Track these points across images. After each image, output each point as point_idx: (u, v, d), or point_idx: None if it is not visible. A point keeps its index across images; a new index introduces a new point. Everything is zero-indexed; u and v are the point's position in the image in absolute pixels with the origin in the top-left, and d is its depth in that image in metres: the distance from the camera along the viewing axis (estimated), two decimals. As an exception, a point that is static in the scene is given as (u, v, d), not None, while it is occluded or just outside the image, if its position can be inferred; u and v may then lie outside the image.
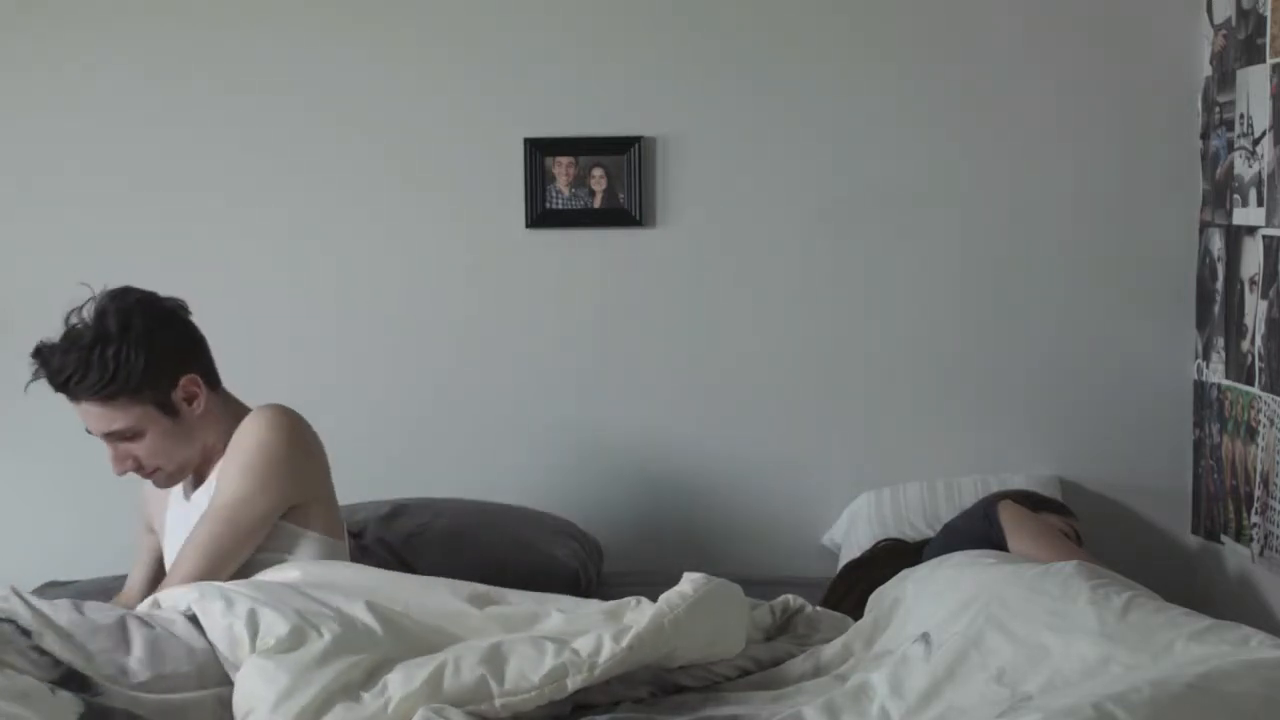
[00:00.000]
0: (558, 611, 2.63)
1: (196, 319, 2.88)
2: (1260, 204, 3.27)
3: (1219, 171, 3.51)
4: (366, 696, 2.34)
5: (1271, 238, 3.22)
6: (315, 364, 3.72)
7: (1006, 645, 2.44)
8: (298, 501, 2.80)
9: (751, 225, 3.70)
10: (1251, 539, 3.35)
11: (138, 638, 2.43)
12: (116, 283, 2.82)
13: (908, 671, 2.47)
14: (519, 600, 2.71)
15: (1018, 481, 3.53)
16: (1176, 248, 3.66)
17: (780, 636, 2.80)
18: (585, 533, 3.53)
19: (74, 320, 2.74)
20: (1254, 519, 3.34)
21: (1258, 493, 3.32)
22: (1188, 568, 3.67)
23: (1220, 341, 3.51)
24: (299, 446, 2.80)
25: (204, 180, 3.71)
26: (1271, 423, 3.24)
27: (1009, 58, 3.65)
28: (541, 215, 3.70)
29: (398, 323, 3.75)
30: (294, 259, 3.74)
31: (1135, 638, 2.36)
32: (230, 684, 2.42)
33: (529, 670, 2.40)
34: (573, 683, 2.42)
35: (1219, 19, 3.51)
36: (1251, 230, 3.33)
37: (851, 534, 3.60)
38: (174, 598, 2.58)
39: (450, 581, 2.74)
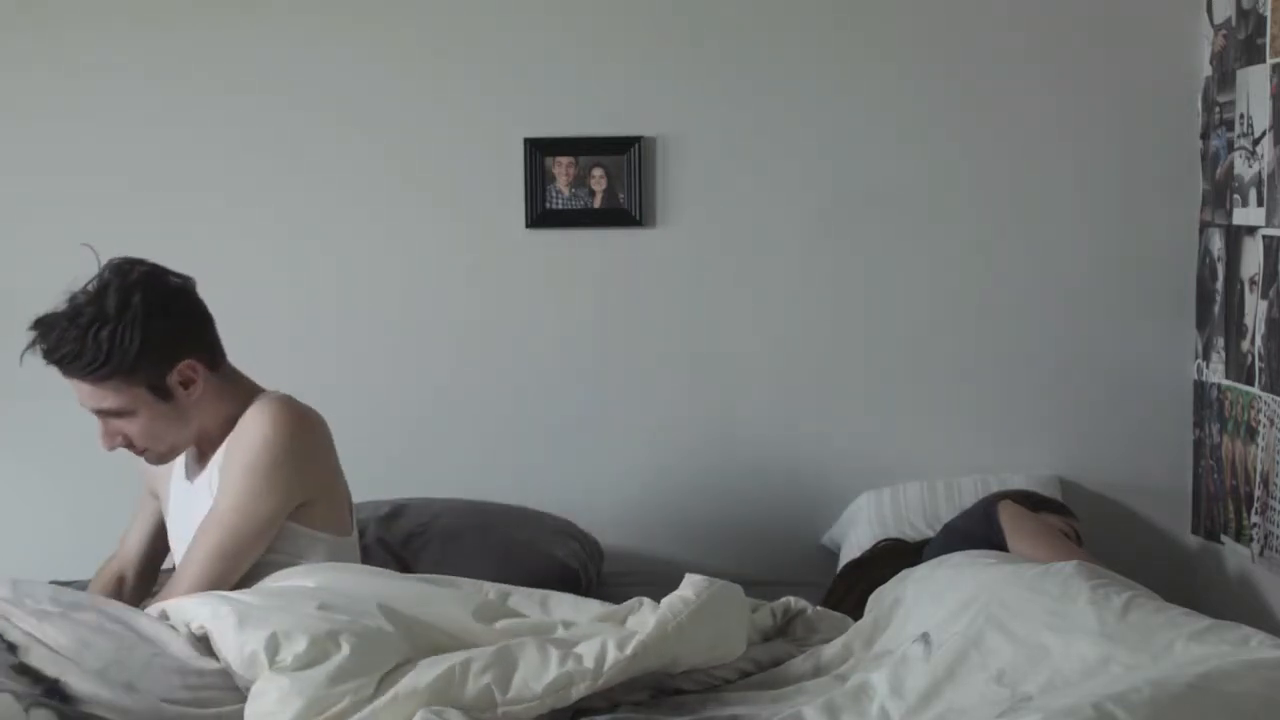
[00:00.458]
0: (563, 626, 2.61)
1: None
2: (1260, 204, 3.27)
3: (1219, 171, 3.51)
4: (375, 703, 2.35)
5: (1271, 238, 3.22)
6: (315, 364, 3.71)
7: (1006, 645, 2.44)
8: (304, 500, 2.75)
9: (751, 225, 3.70)
10: (1251, 539, 3.35)
11: (136, 655, 2.39)
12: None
13: (908, 671, 2.47)
14: (528, 608, 2.69)
15: (1018, 481, 3.53)
16: (1176, 248, 3.66)
17: (778, 639, 2.80)
18: (585, 533, 3.53)
19: (76, 293, 2.67)
20: (1254, 519, 3.34)
21: (1258, 493, 3.32)
22: (1188, 568, 3.67)
23: (1220, 341, 3.51)
24: (303, 444, 2.74)
25: (204, 180, 3.71)
26: (1271, 423, 3.24)
27: (1009, 58, 3.65)
28: (541, 215, 3.70)
29: (398, 323, 3.75)
30: (294, 259, 3.74)
31: (1135, 638, 2.36)
32: (232, 703, 2.38)
33: (533, 679, 2.40)
34: (576, 691, 2.42)
35: (1219, 19, 3.51)
36: (1251, 230, 3.33)
37: (851, 534, 3.60)
38: (184, 612, 2.52)
39: (460, 591, 2.69)
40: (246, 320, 3.63)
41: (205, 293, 2.94)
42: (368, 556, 3.26)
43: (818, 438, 3.73)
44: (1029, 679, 2.36)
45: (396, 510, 3.43)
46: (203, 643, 2.45)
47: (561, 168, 3.69)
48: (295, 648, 2.35)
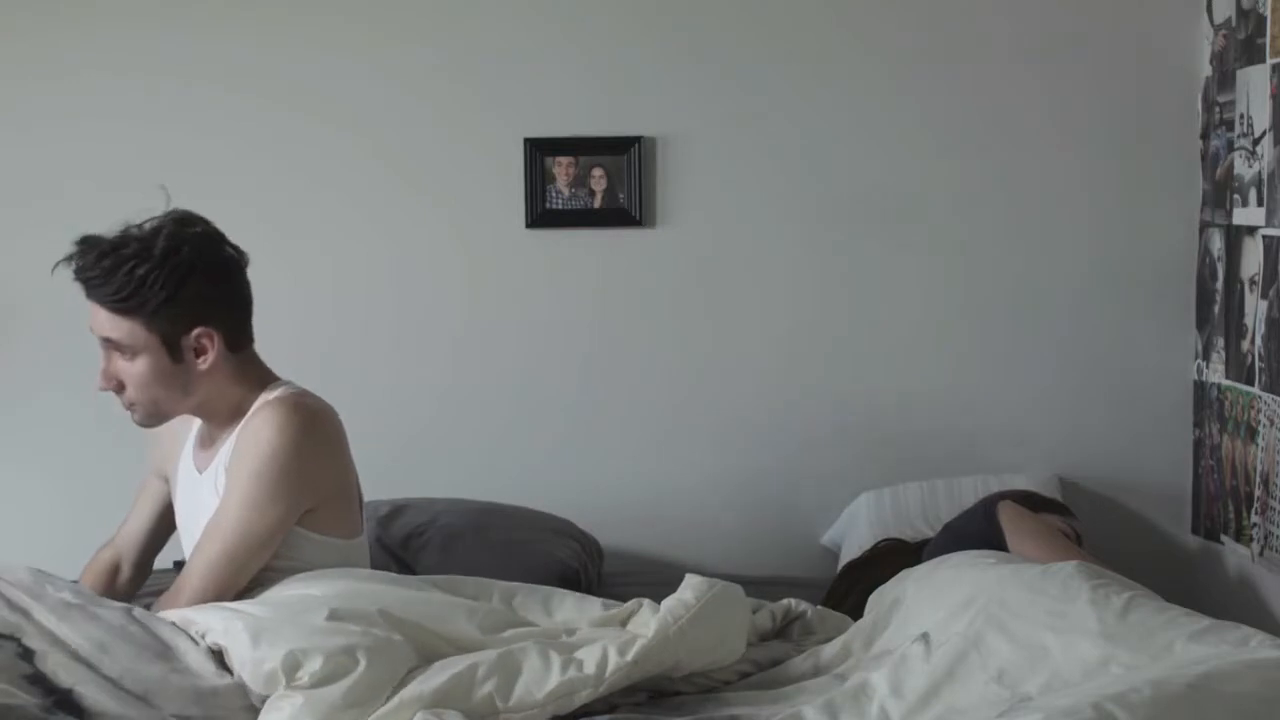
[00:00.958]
0: (565, 634, 2.60)
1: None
2: (1260, 204, 3.27)
3: (1219, 171, 3.51)
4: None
5: (1271, 238, 3.22)
6: (315, 364, 3.69)
7: (1006, 645, 2.44)
8: (312, 505, 2.68)
9: (751, 225, 3.70)
10: (1251, 539, 3.35)
11: (154, 667, 2.36)
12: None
13: (907, 671, 2.47)
14: (532, 611, 2.68)
15: (1018, 481, 3.53)
16: (1176, 248, 3.66)
17: (776, 640, 2.80)
18: (585, 533, 3.53)
19: (131, 226, 2.63)
20: (1254, 519, 3.34)
21: (1258, 493, 3.32)
22: (1188, 568, 3.67)
23: (1220, 341, 3.51)
24: (312, 451, 2.66)
25: (205, 180, 3.70)
26: (1271, 423, 3.24)
27: (1009, 58, 3.65)
28: (541, 215, 3.70)
29: (398, 323, 3.75)
30: (293, 259, 3.73)
31: (1135, 638, 2.36)
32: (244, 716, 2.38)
33: (535, 687, 2.40)
34: (579, 699, 2.42)
35: (1219, 19, 3.51)
36: (1251, 230, 3.33)
37: (851, 534, 3.60)
38: (194, 624, 2.48)
39: (467, 602, 2.65)
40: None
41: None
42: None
43: (818, 438, 3.73)
44: (1029, 679, 2.36)
45: (396, 510, 3.42)
46: (217, 656, 2.42)
47: (561, 168, 3.69)
48: (312, 666, 2.34)
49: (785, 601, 2.84)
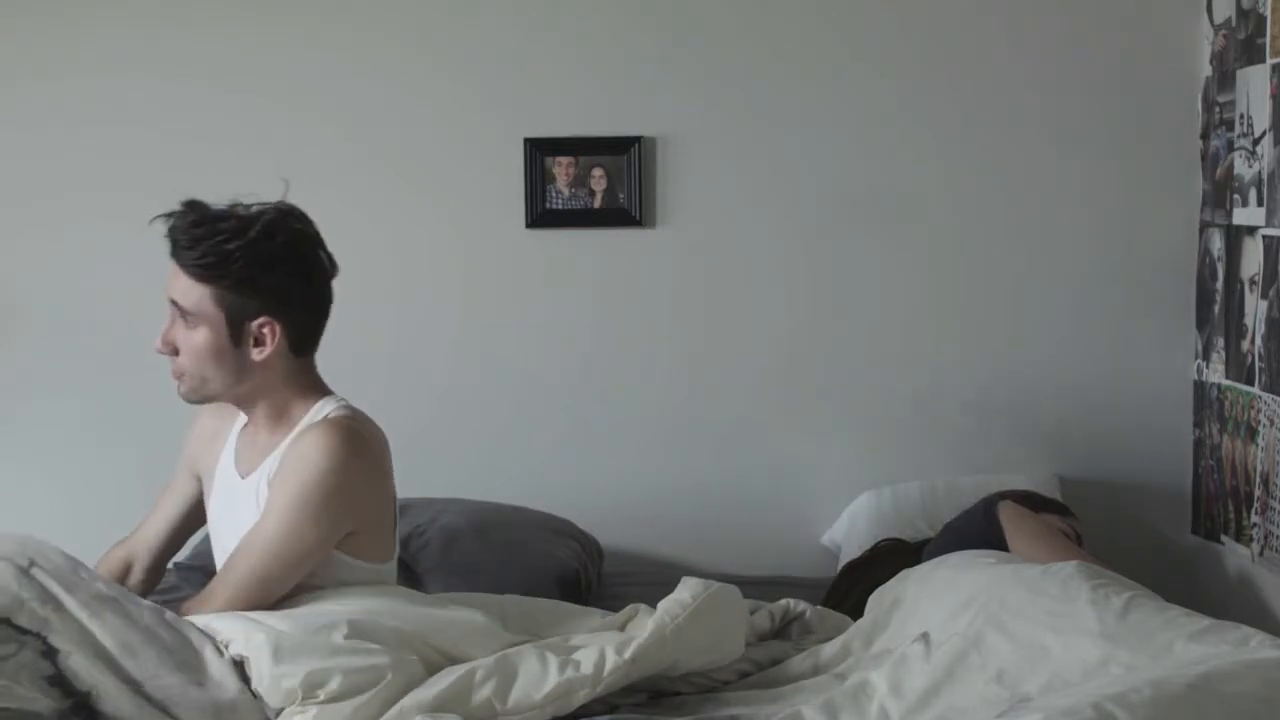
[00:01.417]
0: (560, 637, 2.61)
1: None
2: (1260, 204, 3.27)
3: (1219, 171, 3.51)
4: None
5: (1271, 238, 3.22)
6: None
7: (1006, 645, 2.44)
8: (351, 530, 2.65)
9: (751, 225, 3.70)
10: (1251, 539, 3.35)
11: (176, 677, 2.35)
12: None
13: (907, 671, 2.47)
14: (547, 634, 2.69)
15: (1018, 481, 3.53)
16: (1176, 248, 3.66)
17: (774, 640, 2.80)
18: (585, 533, 3.53)
19: (239, 204, 2.62)
20: (1254, 519, 3.34)
21: (1258, 493, 3.32)
22: (1188, 568, 3.67)
23: (1220, 341, 3.52)
24: (358, 477, 2.63)
25: (205, 181, 3.70)
26: (1271, 423, 3.24)
27: (1009, 59, 3.65)
28: (541, 215, 3.70)
29: (397, 323, 3.75)
30: (294, 259, 3.73)
31: (1135, 638, 2.36)
32: None
33: (533, 688, 2.41)
34: (577, 699, 2.42)
35: (1219, 19, 3.51)
36: (1251, 230, 3.33)
37: (851, 534, 3.60)
38: (216, 633, 2.47)
39: (481, 621, 2.63)
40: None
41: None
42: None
43: (818, 438, 3.73)
44: (1029, 679, 2.36)
45: (397, 510, 3.42)
46: (239, 667, 2.41)
47: (561, 168, 3.69)
48: (331, 686, 2.35)
49: (784, 602, 2.84)
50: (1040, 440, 3.71)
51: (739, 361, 3.73)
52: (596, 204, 3.70)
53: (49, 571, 2.44)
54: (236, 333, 2.63)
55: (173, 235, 2.61)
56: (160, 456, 2.95)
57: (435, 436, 3.73)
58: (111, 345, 3.68)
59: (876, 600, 2.83)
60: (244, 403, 2.72)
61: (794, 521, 3.73)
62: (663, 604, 2.60)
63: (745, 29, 3.66)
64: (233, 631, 2.46)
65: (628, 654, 2.46)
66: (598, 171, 3.69)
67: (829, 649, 2.70)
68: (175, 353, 2.66)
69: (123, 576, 2.86)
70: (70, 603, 2.39)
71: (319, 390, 2.76)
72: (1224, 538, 3.51)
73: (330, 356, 3.70)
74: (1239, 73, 3.39)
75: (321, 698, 2.35)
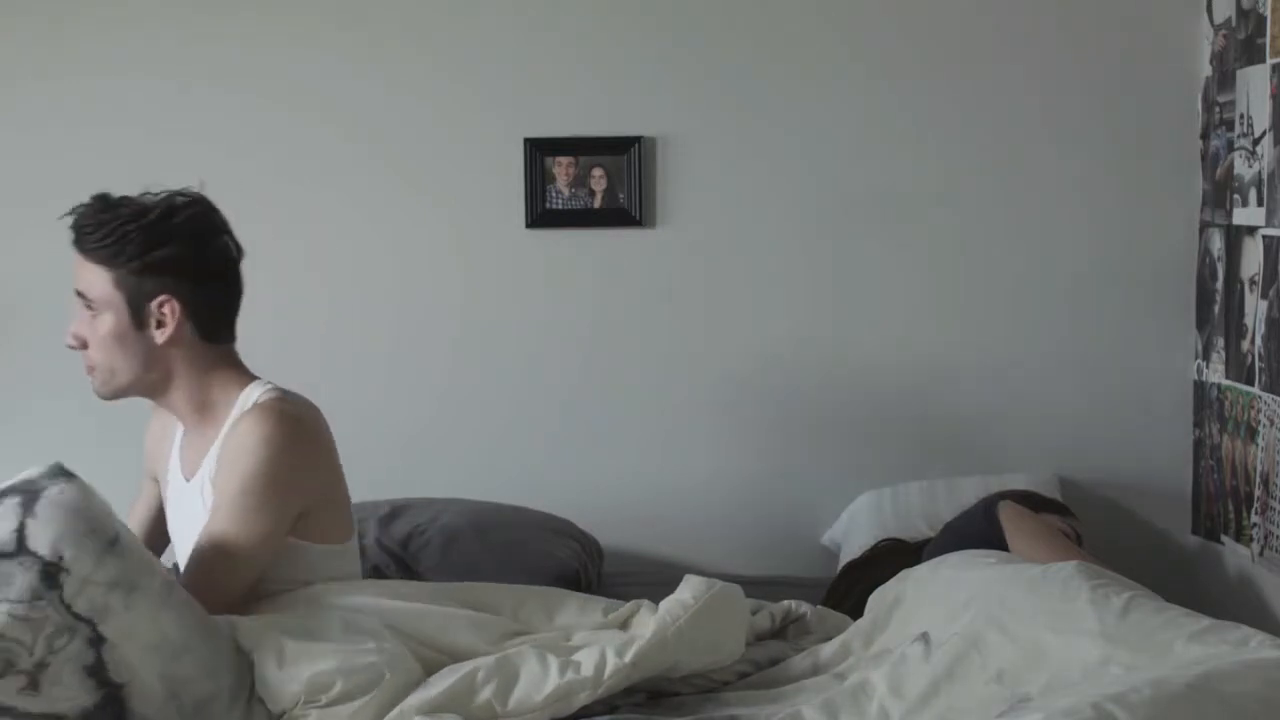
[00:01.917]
0: (564, 640, 2.60)
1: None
2: (1260, 204, 3.27)
3: (1219, 171, 3.51)
4: None
5: (1271, 238, 3.22)
6: (315, 365, 3.71)
7: (1006, 645, 2.44)
8: (302, 511, 2.64)
9: (751, 225, 3.70)
10: (1251, 539, 3.35)
11: (208, 685, 2.33)
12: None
13: (907, 671, 2.47)
14: (539, 621, 2.68)
15: (1018, 481, 3.53)
16: (1176, 248, 3.66)
17: (772, 640, 2.80)
18: (585, 533, 3.53)
19: (148, 191, 2.65)
20: (1254, 519, 3.34)
21: (1258, 493, 3.32)
22: (1188, 568, 3.67)
23: (1220, 341, 3.51)
24: (299, 457, 2.61)
25: (210, 182, 3.70)
26: (1271, 423, 3.24)
27: (1009, 59, 3.65)
28: (541, 215, 3.70)
29: (397, 323, 3.75)
30: (292, 259, 3.73)
31: (1135, 638, 2.36)
32: None
33: (534, 690, 2.41)
34: (577, 701, 2.43)
35: (1219, 19, 3.51)
36: (1251, 230, 3.33)
37: (851, 534, 3.60)
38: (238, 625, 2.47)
39: (471, 614, 2.63)
40: (246, 319, 3.65)
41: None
42: (366, 557, 3.27)
43: (818, 438, 3.73)
44: (1028, 679, 2.36)
45: (396, 510, 3.43)
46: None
47: (561, 168, 3.69)
48: (334, 689, 2.35)
49: (785, 603, 2.84)
50: (1040, 440, 3.71)
51: (739, 361, 3.73)
52: (596, 204, 3.70)
53: (132, 550, 2.36)
54: (138, 315, 2.62)
55: (75, 226, 2.62)
56: (160, 456, 2.95)
57: (435, 436, 3.74)
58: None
59: (876, 600, 2.83)
60: (158, 393, 2.70)
61: (794, 521, 3.73)
62: (664, 604, 2.60)
63: (745, 29, 3.66)
64: (251, 637, 2.45)
65: (628, 657, 2.46)
66: (598, 171, 3.69)
67: (829, 649, 2.70)
68: (84, 346, 2.67)
69: None
70: (148, 587, 2.33)
71: (241, 379, 2.72)
72: (1224, 538, 3.51)
73: (330, 356, 3.73)
74: (1239, 73, 3.39)
75: (324, 701, 2.35)
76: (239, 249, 2.71)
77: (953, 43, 3.65)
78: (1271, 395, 3.23)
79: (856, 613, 2.86)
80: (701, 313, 3.73)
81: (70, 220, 2.63)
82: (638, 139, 3.68)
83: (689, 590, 2.62)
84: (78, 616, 2.23)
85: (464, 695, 2.39)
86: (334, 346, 3.75)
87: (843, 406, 3.73)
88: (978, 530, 3.08)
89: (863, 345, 3.72)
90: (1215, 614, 2.50)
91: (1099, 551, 3.12)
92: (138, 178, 3.67)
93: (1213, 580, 3.57)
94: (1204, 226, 3.61)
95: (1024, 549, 2.98)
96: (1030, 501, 3.21)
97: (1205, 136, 3.60)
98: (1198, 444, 3.67)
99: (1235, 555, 3.45)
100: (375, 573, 3.22)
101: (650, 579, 3.31)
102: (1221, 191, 3.49)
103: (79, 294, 2.65)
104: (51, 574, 2.22)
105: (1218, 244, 3.52)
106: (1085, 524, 3.28)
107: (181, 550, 2.73)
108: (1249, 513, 3.36)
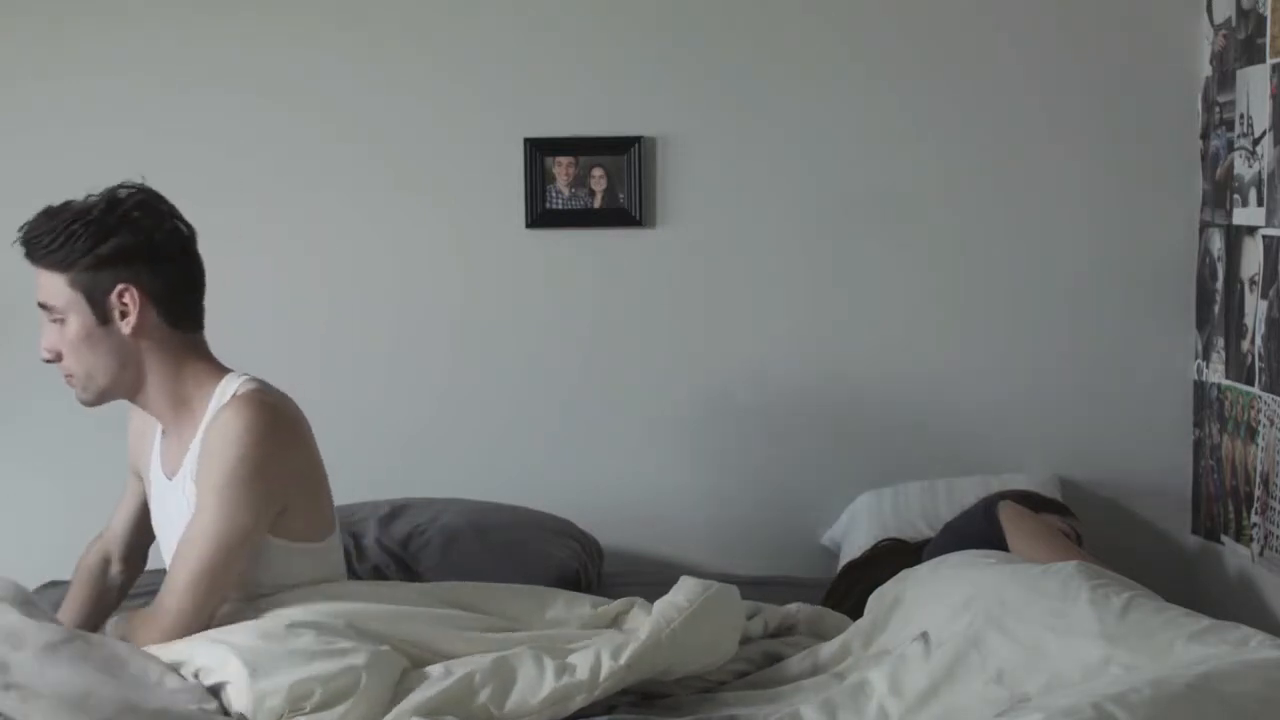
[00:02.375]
0: (562, 643, 2.60)
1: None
2: (1260, 204, 3.27)
3: (1219, 171, 3.51)
4: None
5: (1271, 238, 3.22)
6: (315, 365, 3.72)
7: (1006, 645, 2.44)
8: (283, 506, 2.62)
9: (751, 225, 3.70)
10: (1251, 539, 3.35)
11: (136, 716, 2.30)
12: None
13: (906, 671, 2.47)
14: (527, 614, 2.69)
15: (1018, 481, 3.53)
16: (1176, 248, 3.66)
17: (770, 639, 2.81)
18: (585, 533, 3.53)
19: (91, 194, 2.64)
20: (1254, 519, 3.34)
21: (1258, 493, 3.32)
22: (1188, 568, 3.67)
23: (1220, 341, 3.51)
24: (279, 450, 2.59)
25: (205, 181, 3.71)
26: (1271, 423, 3.24)
27: (1009, 58, 3.65)
28: (541, 215, 3.70)
29: (397, 323, 3.75)
30: (292, 259, 3.74)
31: (1135, 638, 2.36)
32: None
33: (530, 694, 2.42)
34: (574, 704, 2.44)
35: (1219, 19, 3.51)
36: (1251, 230, 3.33)
37: (851, 534, 3.60)
38: (186, 661, 2.45)
39: (449, 612, 2.65)
40: (246, 320, 3.66)
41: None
42: (367, 557, 3.27)
43: (818, 438, 3.73)
44: (1028, 679, 2.36)
45: (396, 510, 3.43)
46: (210, 692, 2.40)
47: (561, 168, 3.69)
48: (314, 696, 2.35)
49: (784, 609, 2.84)
50: (1040, 440, 3.71)
51: (739, 361, 3.73)
52: (596, 204, 3.70)
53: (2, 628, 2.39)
54: (100, 311, 2.62)
55: (25, 240, 2.63)
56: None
57: (435, 436, 3.73)
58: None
59: (876, 600, 2.83)
60: (136, 392, 2.69)
61: (794, 521, 3.73)
62: (659, 606, 2.61)
63: (745, 29, 3.66)
64: (204, 660, 2.43)
65: (623, 659, 2.47)
66: (598, 171, 3.69)
67: (828, 649, 2.70)
68: (59, 357, 2.67)
69: (105, 569, 2.89)
70: (15, 659, 2.33)
71: (216, 371, 2.71)
72: (1224, 538, 3.51)
73: (330, 356, 3.73)
74: (1239, 73, 3.39)
75: (308, 708, 2.35)
76: (190, 229, 2.70)
77: (953, 43, 3.65)
78: (1271, 395, 3.23)
79: (856, 613, 2.86)
80: (701, 313, 3.73)
81: (20, 237, 2.64)
82: (638, 139, 3.68)
83: (684, 592, 2.62)
84: None
85: (461, 698, 2.39)
86: (334, 346, 3.75)
87: (842, 406, 3.73)
88: (978, 530, 3.08)
89: (862, 345, 3.72)
90: (1215, 614, 2.50)
91: (1099, 551, 3.12)
92: (138, 178, 3.69)
93: (1213, 580, 3.57)
94: (1204, 226, 3.61)
95: (1024, 549, 2.98)
96: (1030, 501, 3.21)
97: (1205, 136, 3.60)
98: (1198, 444, 3.66)
99: (1235, 555, 3.45)
100: (375, 572, 3.23)
101: (650, 579, 3.31)
102: (1221, 191, 3.49)
103: (42, 306, 2.66)
104: None
105: (1218, 244, 3.52)
106: (1085, 524, 3.28)
107: (166, 548, 2.72)
108: (1249, 513, 3.36)
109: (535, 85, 3.69)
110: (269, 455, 2.57)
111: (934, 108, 3.66)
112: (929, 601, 2.68)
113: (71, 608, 2.86)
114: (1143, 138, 3.65)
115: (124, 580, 2.91)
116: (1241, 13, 3.38)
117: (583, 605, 2.74)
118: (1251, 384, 3.34)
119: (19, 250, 2.67)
